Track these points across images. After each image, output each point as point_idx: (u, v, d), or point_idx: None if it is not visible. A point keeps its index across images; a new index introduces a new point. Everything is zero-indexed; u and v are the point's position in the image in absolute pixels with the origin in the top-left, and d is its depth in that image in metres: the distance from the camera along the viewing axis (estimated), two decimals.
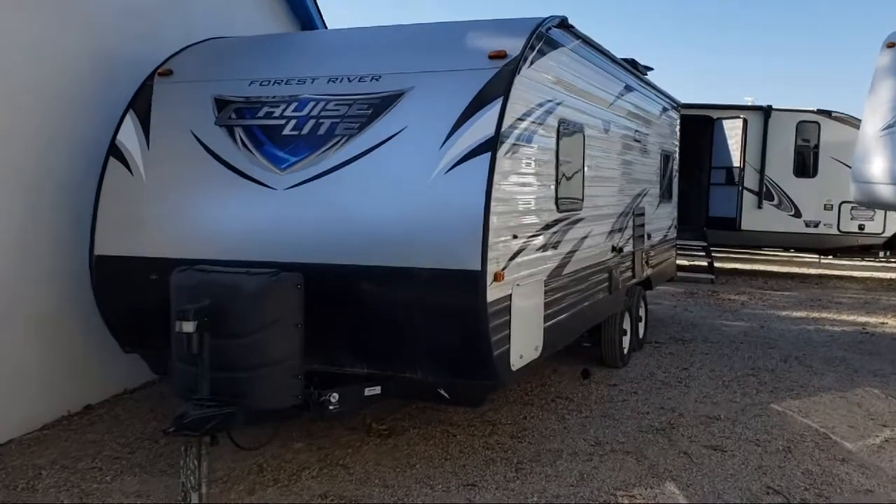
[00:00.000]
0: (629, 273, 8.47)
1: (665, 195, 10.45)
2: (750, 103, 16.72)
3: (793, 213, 16.03)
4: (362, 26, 6.35)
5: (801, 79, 50.35)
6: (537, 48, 5.34)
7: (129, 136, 5.60)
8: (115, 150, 5.61)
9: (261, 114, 5.31)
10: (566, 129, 6.03)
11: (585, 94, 6.60)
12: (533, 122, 5.33)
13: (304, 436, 6.00)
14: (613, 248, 7.65)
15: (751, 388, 7.71)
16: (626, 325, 8.64)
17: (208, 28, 7.04)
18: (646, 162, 9.16)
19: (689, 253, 16.18)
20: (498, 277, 4.73)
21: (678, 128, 11.41)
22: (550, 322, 5.80)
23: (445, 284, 4.64)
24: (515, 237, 5.04)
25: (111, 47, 6.57)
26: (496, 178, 4.70)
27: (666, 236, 10.64)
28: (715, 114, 16.02)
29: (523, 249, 5.17)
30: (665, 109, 10.28)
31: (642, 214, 9.00)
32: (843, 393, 7.66)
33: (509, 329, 4.96)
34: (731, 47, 52.02)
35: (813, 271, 18.52)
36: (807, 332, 10.90)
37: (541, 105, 5.47)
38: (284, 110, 5.26)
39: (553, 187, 5.81)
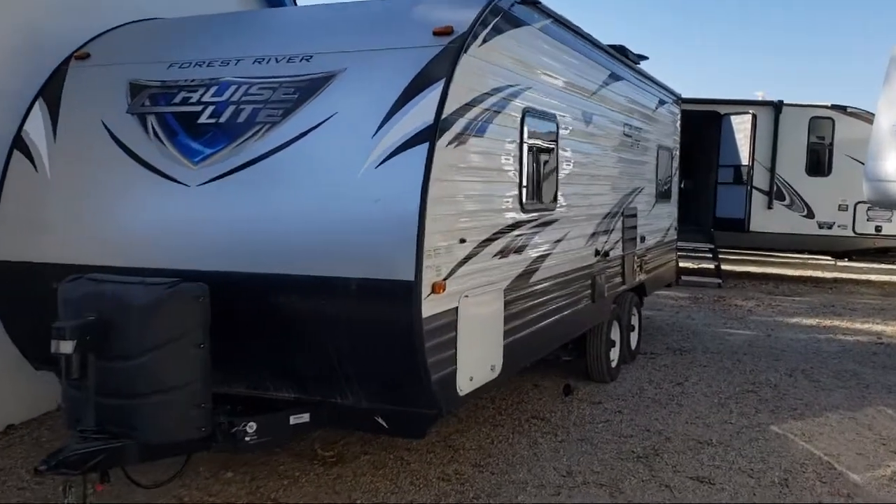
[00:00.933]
0: (618, 279, 7.75)
1: (663, 194, 9.71)
2: (761, 98, 15.92)
3: (805, 213, 15.21)
4: (307, 5, 5.69)
5: (816, 78, 49.26)
6: (492, 24, 4.64)
7: (36, 126, 4.97)
8: (19, 143, 4.98)
9: (177, 100, 4.65)
10: (534, 120, 5.34)
11: (559, 81, 5.90)
12: (488, 110, 4.64)
13: (238, 463, 5.34)
14: (597, 253, 6.94)
15: (749, 408, 6.96)
16: (615, 335, 7.93)
17: (163, 7, 6.31)
18: (639, 158, 8.44)
19: (695, 256, 15.41)
20: (437, 289, 4.04)
21: (679, 123, 10.67)
22: (514, 337, 5.10)
23: (375, 297, 3.96)
24: (463, 241, 4.35)
25: (37, 20, 5.88)
26: (436, 172, 4.01)
27: (664, 238, 9.91)
28: (723, 109, 15.24)
29: (474, 256, 4.48)
30: (663, 102, 9.55)
31: (634, 215, 8.28)
32: (853, 413, 6.90)
33: (455, 348, 4.28)
34: (745, 44, 51.00)
35: (828, 275, 17.69)
36: (816, 341, 10.12)
37: (498, 90, 4.78)
38: (203, 95, 4.60)
39: (517, 185, 5.12)
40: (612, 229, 7.45)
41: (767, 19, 50.86)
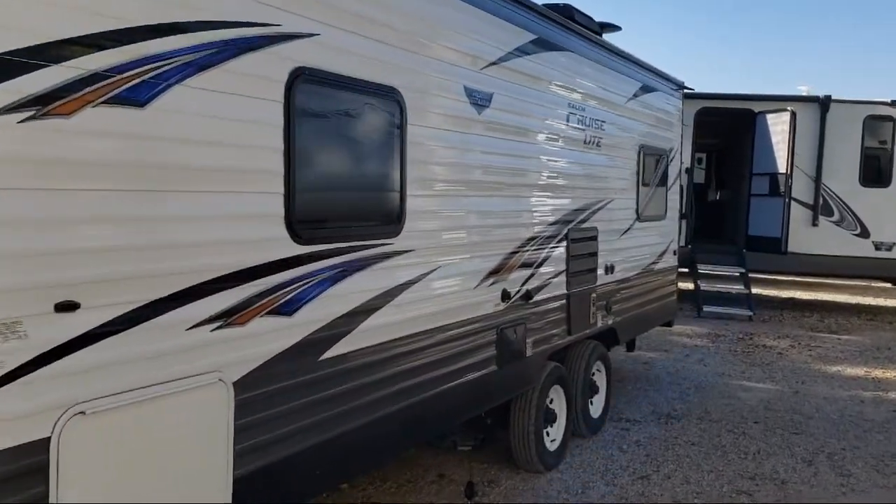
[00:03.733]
0: (558, 328, 5.56)
1: (652, 210, 7.47)
2: (805, 93, 13.43)
3: (858, 231, 12.65)
4: None
5: (869, 74, 45.04)
6: None
7: None
8: None
9: None
10: (320, 89, 3.25)
11: (393, 33, 3.78)
12: (182, 65, 2.58)
13: None
14: (507, 296, 4.78)
15: None
16: (558, 405, 5.74)
17: None
18: (602, 162, 6.24)
19: (723, 279, 12.99)
20: None
21: (681, 118, 8.38)
22: (268, 459, 3.00)
23: None
24: (69, 308, 2.28)
25: None
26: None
27: (654, 266, 7.64)
28: (757, 107, 12.79)
29: (111, 333, 2.40)
30: (649, 90, 7.30)
31: (592, 238, 6.09)
32: None
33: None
34: (787, 37, 47.26)
35: (891, 303, 15.00)
36: (859, 402, 7.70)
37: (215, 27, 2.71)
38: None
39: (280, 195, 3.03)
40: (543, 260, 5.28)
41: (813, 9, 46.70)
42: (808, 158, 12.62)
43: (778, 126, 12.27)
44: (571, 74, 5.62)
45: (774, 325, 11.96)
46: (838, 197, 12.68)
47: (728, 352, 9.95)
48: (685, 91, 11.87)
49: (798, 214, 12.55)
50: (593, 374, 6.41)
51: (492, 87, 4.54)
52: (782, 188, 12.08)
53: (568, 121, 5.59)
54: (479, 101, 4.43)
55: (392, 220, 3.72)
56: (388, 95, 3.65)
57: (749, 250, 12.72)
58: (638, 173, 7.04)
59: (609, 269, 6.44)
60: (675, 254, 8.31)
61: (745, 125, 13.14)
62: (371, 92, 3.53)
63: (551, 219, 5.38)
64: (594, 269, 6.16)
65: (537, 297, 5.20)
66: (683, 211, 12.71)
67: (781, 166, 12.15)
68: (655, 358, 9.43)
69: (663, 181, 7.84)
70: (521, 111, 4.90)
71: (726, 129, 14.57)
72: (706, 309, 12.16)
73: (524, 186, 5.00)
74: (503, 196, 4.74)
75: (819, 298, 15.46)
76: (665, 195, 7.90)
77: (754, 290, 15.09)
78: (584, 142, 5.89)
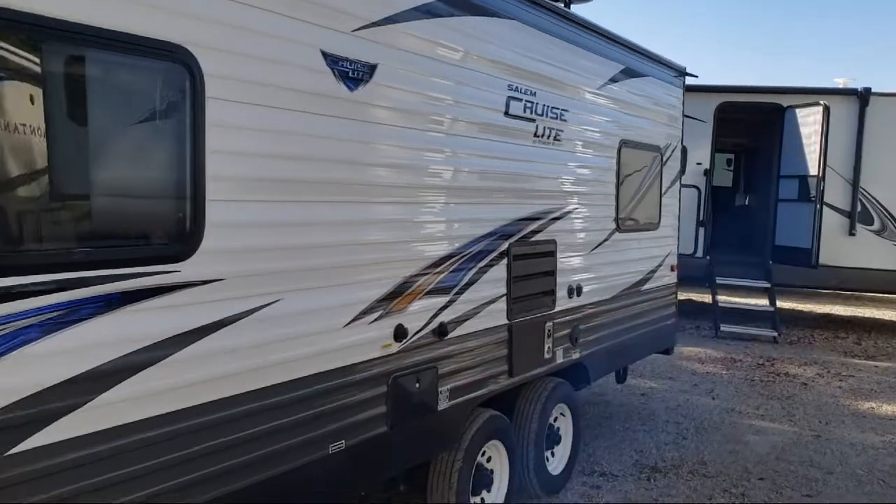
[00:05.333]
0: (496, 369, 4.40)
1: (638, 217, 6.25)
2: (843, 85, 11.99)
3: None
4: None
5: None
6: None
7: None
8: None
9: None
10: (50, 44, 2.15)
11: None
12: None
13: None
14: (402, 335, 3.63)
15: None
16: (499, 462, 4.56)
17: None
18: (561, 160, 5.04)
19: (745, 294, 11.64)
20: None
21: (681, 110, 7.12)
22: None
23: None
24: None
25: None
26: None
27: (642, 285, 6.41)
28: (785, 100, 11.40)
29: None
30: (634, 74, 6.08)
31: (549, 253, 4.90)
32: None
33: None
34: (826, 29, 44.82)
35: None
36: (893, 451, 6.36)
37: None
38: None
39: None
40: (468, 283, 4.11)
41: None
42: (844, 159, 11.18)
43: (809, 122, 10.87)
44: (511, 49, 4.44)
45: (802, 348, 10.55)
46: (879, 203, 11.22)
47: (743, 381, 8.63)
48: (703, 85, 10.60)
49: (832, 222, 11.13)
50: (555, 419, 5.22)
51: (374, 57, 3.39)
52: (813, 192, 10.66)
53: (507, 108, 4.41)
54: (352, 73, 3.28)
55: (176, 237, 2.60)
56: (172, 56, 2.53)
57: (776, 262, 11.32)
58: (618, 174, 5.82)
59: (574, 291, 5.24)
60: (673, 269, 7.05)
61: (774, 122, 11.76)
62: (139, 50, 2.42)
63: (480, 231, 4.21)
64: (551, 292, 4.97)
65: (457, 332, 4.04)
66: (701, 218, 11.42)
67: (812, 167, 10.73)
68: (656, 388, 8.16)
69: (656, 184, 6.59)
70: (427, 91, 3.74)
71: (754, 126, 13.18)
72: (724, 328, 10.81)
73: (431, 189, 3.84)
74: (395, 202, 3.58)
75: (859, 315, 13.95)
76: (659, 200, 6.65)
77: (785, 304, 13.71)
78: (535, 135, 4.71)
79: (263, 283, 2.90)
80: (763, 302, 11.39)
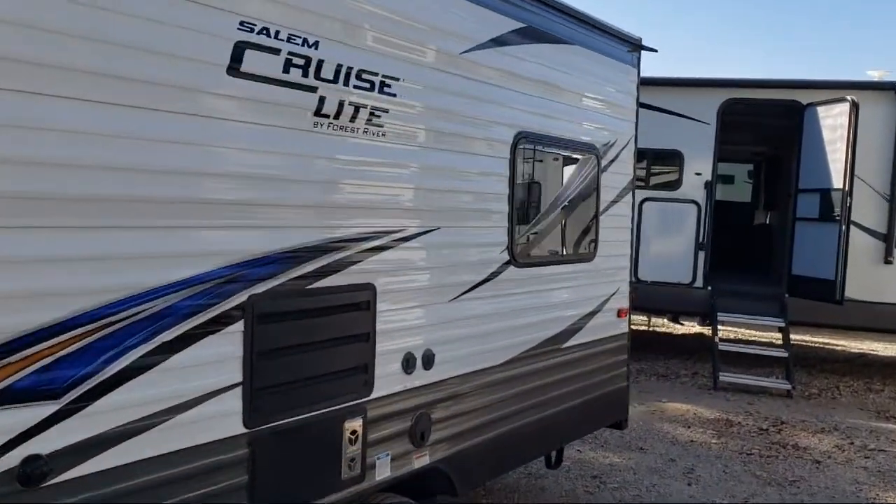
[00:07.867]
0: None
1: (556, 246, 4.36)
2: (878, 79, 9.91)
3: None
4: None
5: None
6: None
7: None
8: None
9: None
10: None
11: None
12: None
13: None
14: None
15: None
16: None
17: None
18: (381, 157, 3.18)
19: (760, 331, 9.59)
20: None
21: (634, 96, 5.20)
22: None
23: None
24: None
25: None
26: None
27: (565, 341, 4.49)
28: (805, 96, 9.34)
29: None
30: (545, 39, 4.19)
31: (360, 306, 3.05)
32: None
33: None
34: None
35: None
36: None
37: None
38: None
39: None
40: (136, 369, 2.27)
41: None
42: (878, 167, 9.10)
43: (833, 122, 8.79)
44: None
45: (822, 406, 8.42)
46: None
47: (737, 455, 6.60)
48: (703, 78, 8.78)
49: (862, 246, 9.03)
50: None
51: None
52: (837, 210, 8.57)
53: (237, 60, 2.57)
54: None
55: None
56: None
57: (792, 295, 9.23)
58: (512, 183, 3.93)
59: (416, 362, 3.37)
60: (621, 315, 5.11)
61: (793, 123, 9.71)
62: None
63: (163, 275, 2.37)
64: (361, 369, 3.10)
65: (86, 469, 2.19)
66: (701, 240, 9.42)
67: (836, 179, 8.65)
68: (616, 466, 6.18)
69: (591, 197, 4.69)
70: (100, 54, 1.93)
71: (776, 130, 11.10)
72: (724, 377, 8.75)
73: (99, 200, 2.02)
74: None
75: None
76: (595, 220, 4.74)
77: (809, 340, 11.61)
78: (318, 112, 2.85)
79: None
80: (777, 340, 9.32)
